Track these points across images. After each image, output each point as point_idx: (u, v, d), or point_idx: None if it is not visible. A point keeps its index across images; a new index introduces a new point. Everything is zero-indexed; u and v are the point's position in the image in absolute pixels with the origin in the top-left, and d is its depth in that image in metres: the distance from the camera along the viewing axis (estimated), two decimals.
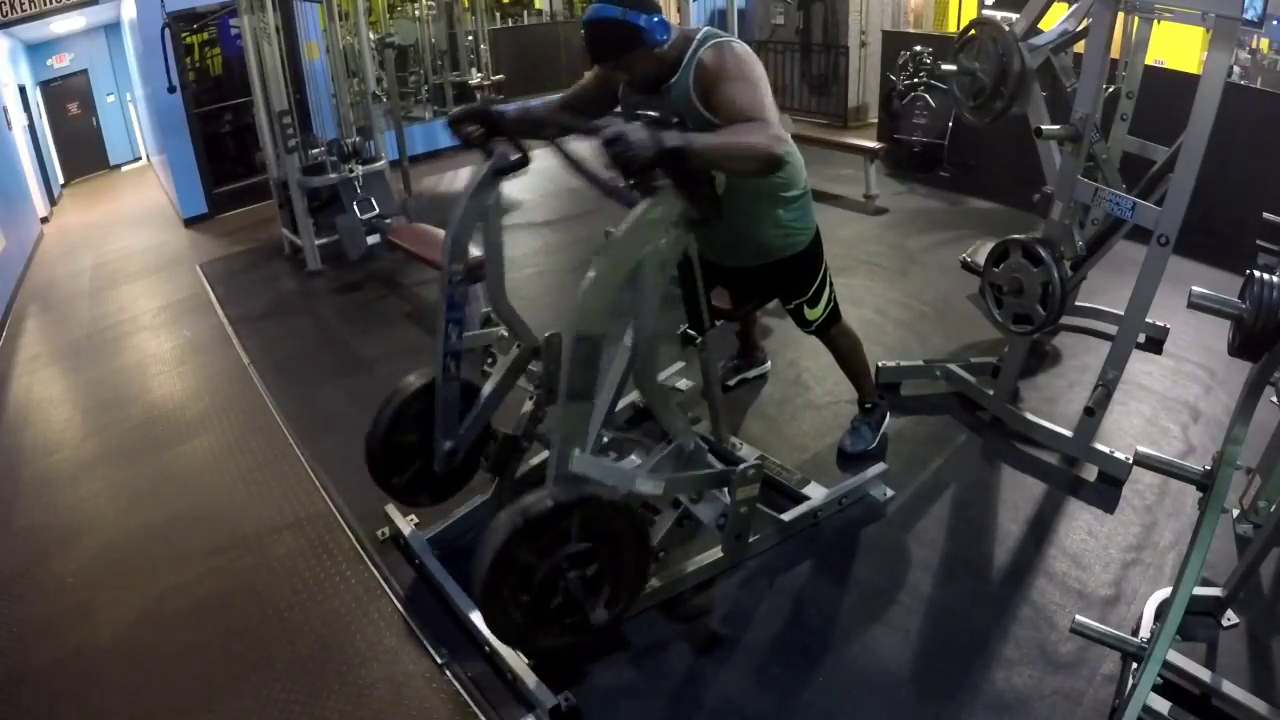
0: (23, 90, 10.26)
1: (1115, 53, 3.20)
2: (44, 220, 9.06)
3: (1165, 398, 3.14)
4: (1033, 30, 2.94)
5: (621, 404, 2.73)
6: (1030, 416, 2.91)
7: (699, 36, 2.11)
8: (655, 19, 2.01)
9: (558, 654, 2.02)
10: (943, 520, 2.58)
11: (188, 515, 2.98)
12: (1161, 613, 1.83)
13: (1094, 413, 2.67)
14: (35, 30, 9.05)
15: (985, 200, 5.56)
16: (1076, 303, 3.53)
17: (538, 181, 6.56)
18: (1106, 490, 2.64)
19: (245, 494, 3.05)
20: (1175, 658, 1.84)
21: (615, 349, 2.15)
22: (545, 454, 2.43)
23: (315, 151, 5.42)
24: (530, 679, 1.98)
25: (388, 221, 5.23)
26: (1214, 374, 3.25)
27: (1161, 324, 3.42)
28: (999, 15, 3.11)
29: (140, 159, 12.41)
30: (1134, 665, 1.82)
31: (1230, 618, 2.08)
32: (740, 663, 2.10)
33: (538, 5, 11.37)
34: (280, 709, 2.08)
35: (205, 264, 5.95)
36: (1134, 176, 3.07)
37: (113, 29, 10.97)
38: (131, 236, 7.54)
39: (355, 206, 5.25)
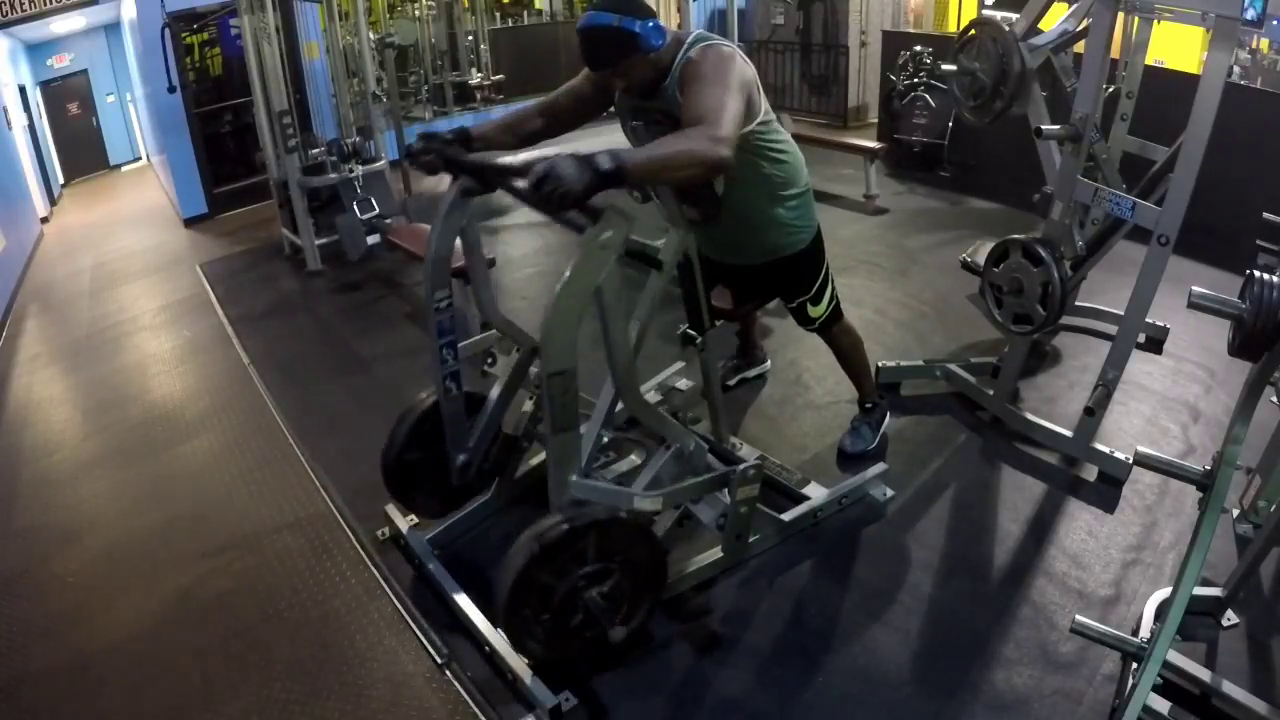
0: (23, 90, 10.27)
1: (1115, 53, 3.20)
2: (44, 220, 9.07)
3: (1165, 398, 3.14)
4: (1033, 30, 2.94)
5: (621, 405, 2.73)
6: (1030, 416, 2.91)
7: (689, 39, 2.10)
8: (650, 24, 2.00)
9: (582, 665, 2.07)
10: (943, 520, 2.58)
11: (188, 515, 2.98)
12: (1161, 613, 1.83)
13: (1094, 413, 2.67)
14: (35, 30, 9.05)
15: (985, 200, 5.56)
16: (1076, 303, 3.53)
17: None
18: (1106, 490, 2.64)
19: (245, 494, 3.05)
20: (1175, 658, 1.84)
21: (613, 346, 2.14)
22: (545, 454, 2.43)
23: (315, 151, 5.43)
24: (530, 679, 1.98)
25: (388, 221, 5.23)
26: (1214, 374, 3.25)
27: (1161, 324, 3.42)
28: (999, 15, 3.11)
29: (140, 159, 12.42)
30: (1134, 665, 1.82)
31: (1230, 618, 2.08)
32: (740, 663, 2.10)
33: (538, 5, 11.37)
34: (280, 709, 2.08)
35: (205, 264, 5.95)
36: (1134, 176, 3.07)
37: (113, 29, 10.98)
38: (131, 236, 7.54)
39: (355, 206, 5.25)
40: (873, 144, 5.68)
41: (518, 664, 2.02)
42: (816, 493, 2.60)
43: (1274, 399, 2.28)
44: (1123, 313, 2.60)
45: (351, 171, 5.31)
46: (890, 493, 2.64)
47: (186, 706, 2.15)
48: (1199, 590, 1.97)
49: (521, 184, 1.72)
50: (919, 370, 3.29)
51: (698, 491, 2.20)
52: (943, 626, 2.18)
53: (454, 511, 2.57)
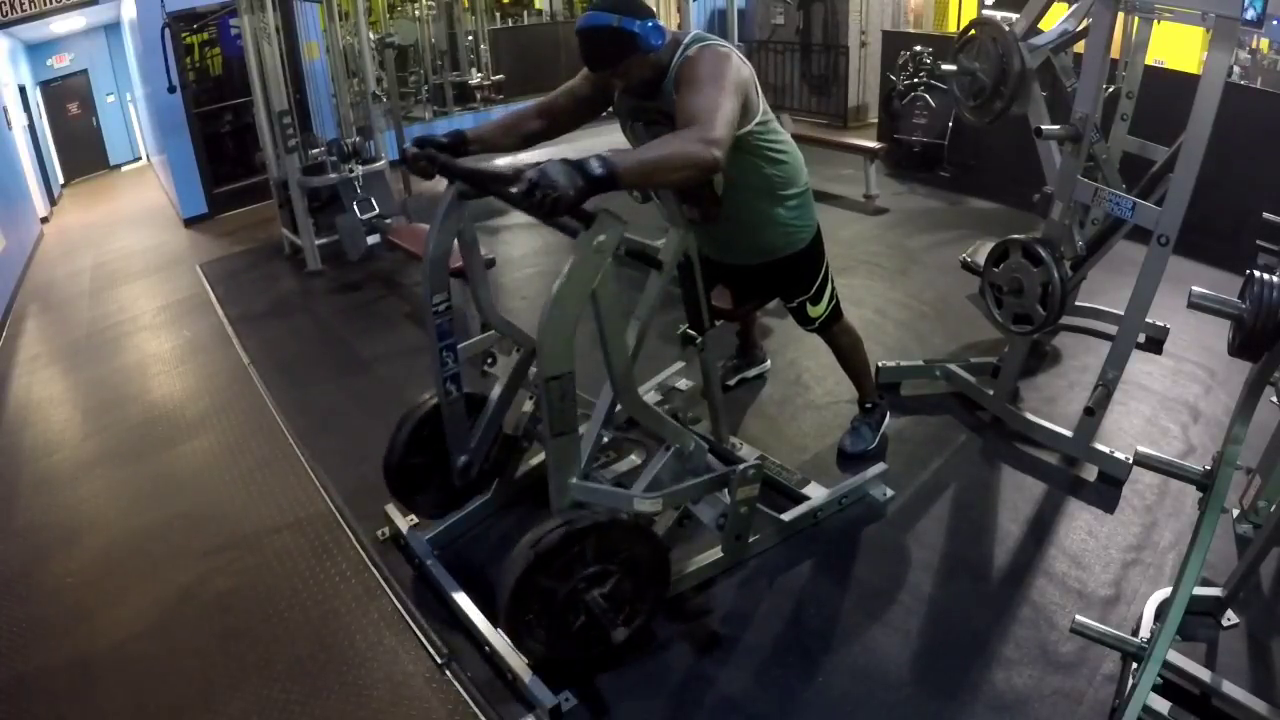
0: (23, 90, 10.27)
1: (1115, 53, 3.20)
2: (44, 220, 9.07)
3: (1165, 398, 3.14)
4: (1033, 30, 2.94)
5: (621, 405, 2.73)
6: (1030, 416, 2.91)
7: (686, 40, 2.10)
8: (650, 24, 2.00)
9: (585, 666, 2.08)
10: (943, 520, 2.58)
11: (188, 515, 2.98)
12: (1161, 613, 1.83)
13: (1094, 413, 2.67)
14: (35, 30, 9.05)
15: (985, 200, 5.56)
16: (1076, 303, 3.53)
17: None
18: (1106, 490, 2.64)
19: (245, 494, 3.05)
20: (1175, 658, 1.84)
21: (610, 349, 2.14)
22: (545, 454, 2.44)
23: (315, 151, 5.43)
24: (530, 679, 1.98)
25: (388, 221, 5.23)
26: (1214, 374, 3.25)
27: (1161, 324, 3.42)
28: (999, 15, 3.11)
29: (140, 159, 12.42)
30: (1134, 665, 1.82)
31: (1230, 618, 2.08)
32: (740, 663, 2.10)
33: (538, 5, 11.37)
34: (280, 709, 2.08)
35: (205, 264, 5.95)
36: (1134, 176, 3.07)
37: (113, 29, 10.98)
38: (131, 236, 7.54)
39: (355, 206, 5.24)
40: (873, 144, 5.68)
41: (518, 664, 2.02)
42: (816, 493, 2.60)
43: (1274, 399, 2.27)
44: (1123, 313, 2.60)
45: (351, 171, 5.31)
46: (890, 493, 2.64)
47: (186, 706, 2.15)
48: (1199, 590, 1.97)
49: (513, 191, 1.71)
50: (919, 370, 3.29)
51: (698, 492, 2.20)
52: (943, 626, 2.18)
53: (454, 511, 2.57)
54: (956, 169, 6.07)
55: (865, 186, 5.58)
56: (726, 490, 2.20)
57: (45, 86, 11.59)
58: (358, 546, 2.63)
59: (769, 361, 3.46)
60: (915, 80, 6.18)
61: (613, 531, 1.93)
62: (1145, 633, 1.98)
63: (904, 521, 2.57)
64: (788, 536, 2.48)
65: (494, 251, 4.60)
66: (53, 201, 10.25)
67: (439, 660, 2.15)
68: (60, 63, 11.75)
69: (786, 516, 2.48)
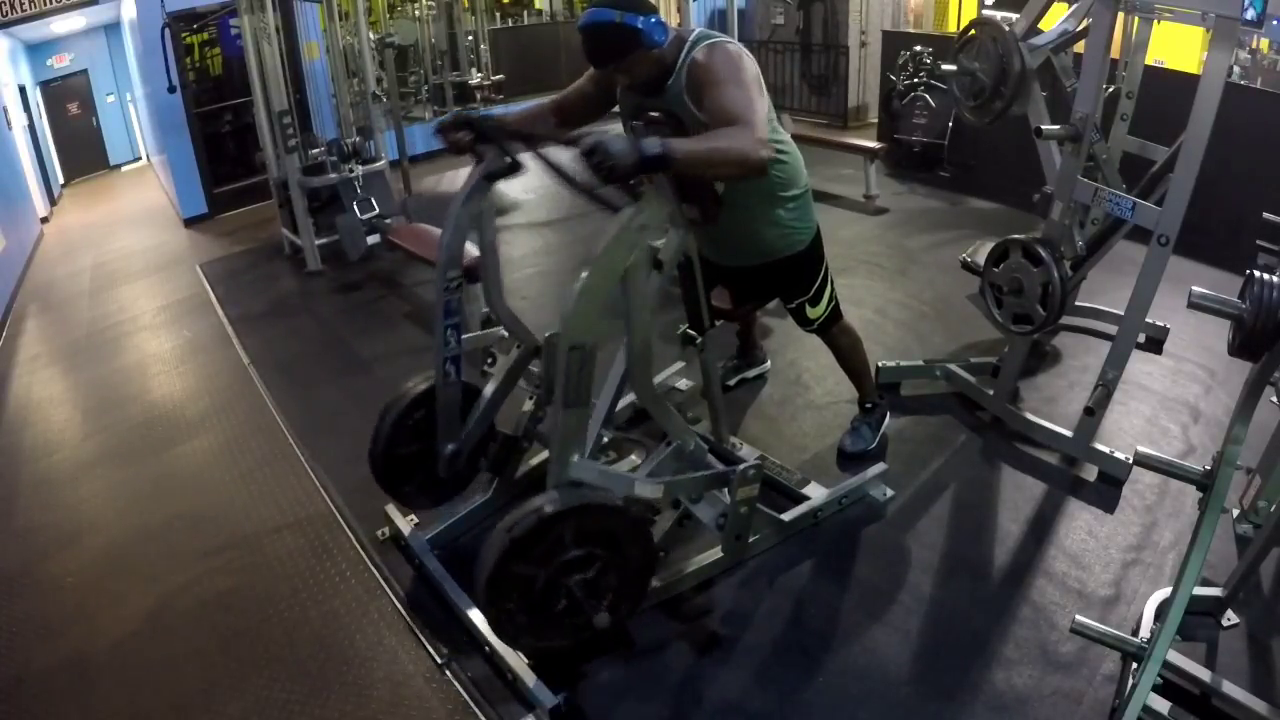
0: (23, 90, 10.26)
1: (1115, 53, 3.20)
2: (44, 220, 9.07)
3: (1165, 398, 3.14)
4: (1033, 30, 2.94)
5: (622, 404, 2.73)
6: (1030, 416, 2.91)
7: (692, 37, 2.11)
8: (653, 20, 2.00)
9: (567, 652, 2.05)
10: (943, 520, 2.58)
11: (188, 515, 2.98)
12: (1161, 613, 1.83)
13: (1094, 413, 2.67)
14: (35, 30, 9.05)
15: (985, 200, 5.56)
16: (1076, 303, 3.53)
17: (538, 181, 6.56)
18: (1106, 490, 2.64)
19: (245, 494, 3.05)
20: (1175, 658, 1.84)
21: (616, 348, 2.15)
22: (545, 454, 2.43)
23: (315, 151, 5.43)
24: (530, 679, 1.98)
25: (388, 221, 5.23)
26: (1214, 374, 3.25)
27: (1161, 324, 3.42)
28: (999, 15, 3.11)
29: (140, 159, 12.42)
30: (1134, 665, 1.82)
31: (1230, 618, 2.08)
32: (740, 663, 2.10)
33: (538, 5, 11.37)
34: (280, 709, 2.08)
35: (205, 264, 5.95)
36: (1134, 176, 3.07)
37: (113, 29, 10.98)
38: (131, 236, 7.54)
39: (355, 206, 5.25)
40: (873, 144, 5.67)
41: (518, 664, 2.02)
42: (816, 493, 2.60)
43: (1274, 399, 2.27)
44: (1123, 313, 2.60)
45: (351, 171, 5.31)
46: (890, 493, 2.64)
47: (186, 706, 2.15)
48: (1199, 590, 1.97)
49: (574, 149, 1.75)
50: (919, 370, 3.29)
51: (699, 486, 2.19)
52: (943, 626, 2.18)
53: (452, 511, 2.57)
54: (956, 169, 6.06)
55: (865, 186, 5.57)
56: (726, 490, 2.20)
57: (45, 86, 11.59)
58: (358, 546, 2.63)
59: (769, 362, 3.46)
60: (915, 80, 6.18)
61: (593, 515, 1.88)
62: (1145, 633, 1.98)
63: (904, 521, 2.57)
64: (788, 536, 2.48)
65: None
66: (53, 201, 10.25)
67: (439, 660, 2.15)
68: (60, 63, 11.74)
69: (786, 516, 2.48)
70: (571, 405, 1.87)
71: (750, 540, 2.36)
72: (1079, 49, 2.90)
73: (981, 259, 2.90)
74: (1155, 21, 3.16)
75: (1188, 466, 1.81)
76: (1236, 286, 1.77)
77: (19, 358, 5.00)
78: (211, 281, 5.53)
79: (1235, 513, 2.39)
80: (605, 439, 2.16)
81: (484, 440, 2.47)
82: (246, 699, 2.12)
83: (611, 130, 1.75)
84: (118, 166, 12.61)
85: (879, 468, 2.67)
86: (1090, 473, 2.72)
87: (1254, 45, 6.97)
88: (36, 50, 11.16)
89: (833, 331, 2.71)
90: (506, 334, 2.58)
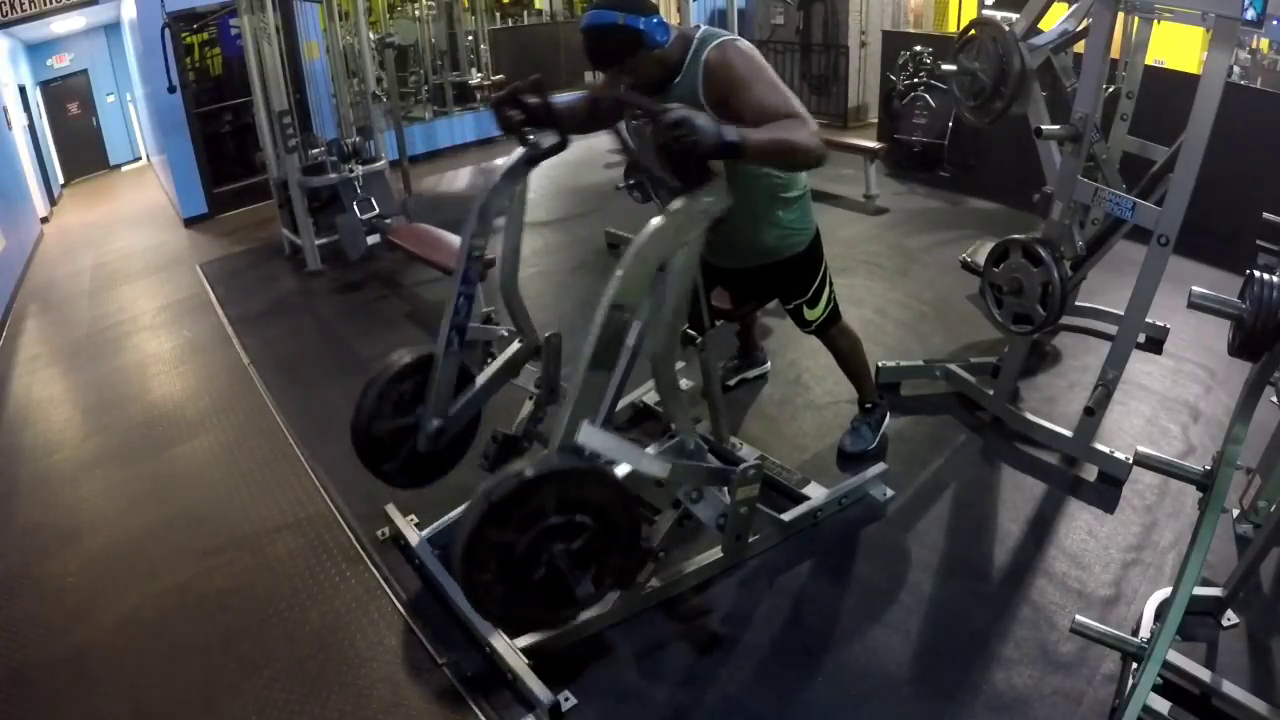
0: (23, 90, 10.25)
1: (1115, 53, 3.20)
2: (44, 220, 9.06)
3: (1165, 398, 3.14)
4: (1033, 30, 2.94)
5: (622, 404, 2.73)
6: (1030, 416, 2.91)
7: (699, 36, 2.11)
8: (654, 20, 2.00)
9: (551, 627, 2.02)
10: (943, 520, 2.58)
11: (188, 515, 2.98)
12: (1161, 613, 1.83)
13: (1094, 413, 2.67)
14: (35, 30, 9.04)
15: (985, 200, 5.56)
16: (1076, 303, 3.53)
17: (538, 181, 6.52)
18: (1106, 490, 2.64)
19: (245, 494, 3.05)
20: (1175, 658, 1.84)
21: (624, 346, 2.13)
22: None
23: (315, 151, 5.42)
24: (530, 678, 1.98)
25: (388, 221, 5.23)
26: (1214, 374, 3.25)
27: (1161, 324, 3.42)
28: (999, 15, 3.11)
29: (140, 159, 12.41)
30: (1134, 665, 1.82)
31: (1230, 618, 2.08)
32: (740, 663, 2.10)
33: (538, 5, 11.36)
34: (280, 709, 2.08)
35: (205, 264, 5.95)
36: (1134, 176, 3.07)
37: (113, 29, 10.97)
38: (131, 236, 7.54)
39: (355, 206, 5.24)
40: (873, 144, 5.67)
41: (518, 664, 2.02)
42: (816, 493, 2.60)
43: (1274, 399, 2.27)
44: (1123, 313, 2.60)
45: (351, 171, 5.31)
46: (890, 493, 2.64)
47: (186, 706, 2.15)
48: (1199, 590, 1.97)
49: (660, 118, 1.77)
50: (919, 370, 3.29)
51: (703, 476, 2.17)
52: (943, 626, 2.18)
53: (452, 511, 2.56)
54: (956, 169, 6.06)
55: (865, 186, 5.57)
56: (726, 490, 2.19)
57: (45, 86, 11.58)
58: (358, 546, 2.63)
59: (769, 363, 3.46)
60: (915, 80, 6.17)
61: (575, 480, 1.81)
62: (1145, 633, 1.98)
63: (904, 521, 2.57)
64: (788, 536, 2.48)
65: (494, 252, 4.60)
66: (53, 201, 10.24)
67: (439, 660, 2.15)
68: (60, 63, 11.73)
69: (786, 516, 2.48)
70: (597, 366, 1.86)
71: (750, 540, 2.36)
72: (1079, 49, 2.90)
73: (981, 259, 2.90)
74: (1155, 21, 3.16)
75: (1188, 466, 1.81)
76: (1236, 286, 1.77)
77: (19, 358, 5.00)
78: (211, 281, 5.53)
79: (1235, 513, 2.39)
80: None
81: (469, 427, 2.45)
82: (246, 699, 2.12)
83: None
84: (118, 166, 12.60)
85: (879, 468, 2.67)
86: (1090, 473, 2.72)
87: (1254, 45, 6.97)
88: (36, 50, 11.15)
89: (831, 333, 2.70)
90: (506, 333, 2.58)
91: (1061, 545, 2.42)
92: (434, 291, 4.76)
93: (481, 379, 2.42)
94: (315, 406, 3.62)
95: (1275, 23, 5.64)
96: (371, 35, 7.14)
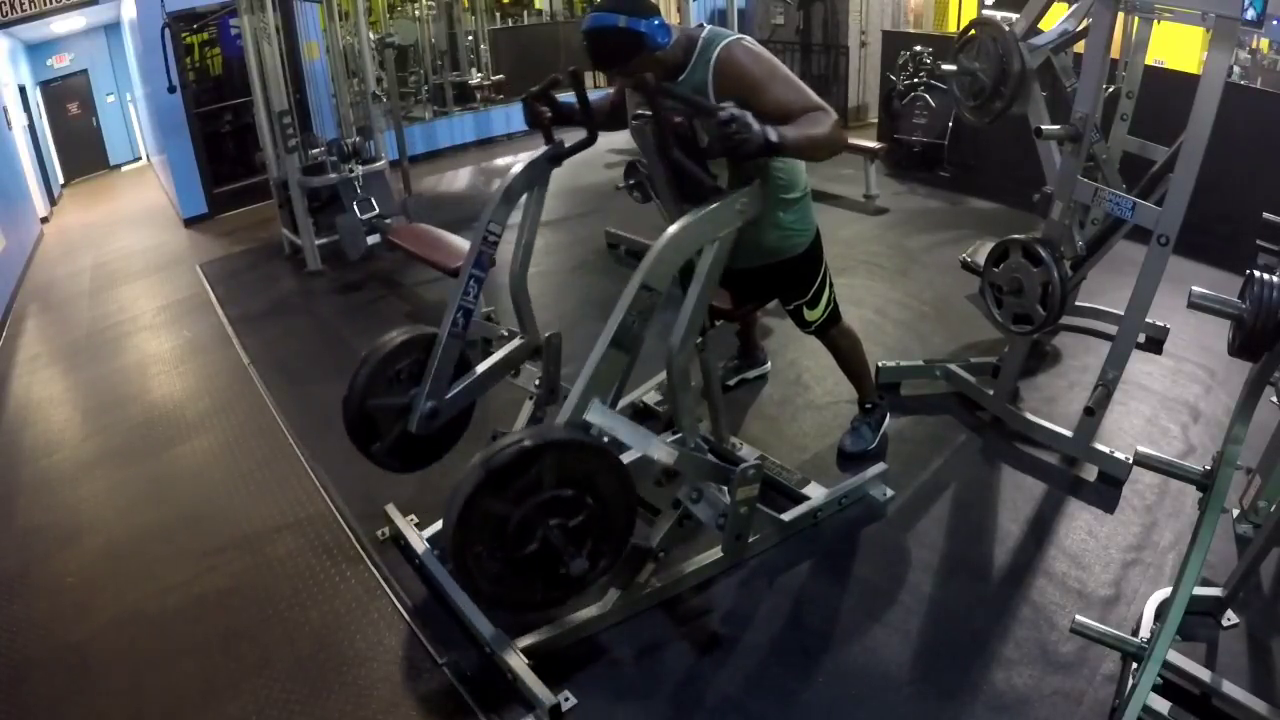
0: (23, 90, 10.26)
1: (1115, 53, 3.20)
2: (44, 220, 9.06)
3: (1165, 398, 3.14)
4: (1033, 30, 2.94)
5: (622, 403, 2.73)
6: (1030, 416, 2.91)
7: (704, 36, 2.11)
8: (656, 22, 2.01)
9: (538, 609, 2.02)
10: (943, 520, 2.58)
11: (187, 515, 2.98)
12: (1161, 613, 1.83)
13: (1094, 413, 2.67)
14: (35, 30, 9.05)
15: (985, 200, 5.56)
16: (1076, 303, 3.53)
17: None
18: (1106, 490, 2.64)
19: (245, 494, 3.05)
20: (1175, 658, 1.84)
21: (691, 299, 2.12)
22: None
23: (315, 151, 5.42)
24: (530, 678, 1.98)
25: (388, 221, 5.23)
26: (1214, 374, 3.25)
27: (1161, 324, 3.42)
28: (999, 15, 3.11)
29: (140, 159, 12.41)
30: (1134, 665, 1.82)
31: (1230, 618, 2.08)
32: (740, 663, 2.10)
33: (538, 5, 11.35)
34: (280, 709, 2.08)
35: (205, 264, 5.95)
36: (1134, 176, 3.07)
37: (113, 29, 10.97)
38: (131, 236, 7.54)
39: (355, 206, 5.24)
40: (873, 144, 5.67)
41: (518, 664, 2.02)
42: (816, 493, 2.60)
43: (1274, 399, 2.28)
44: (1123, 313, 2.60)
45: (351, 171, 5.31)
46: (890, 493, 2.64)
47: (186, 706, 2.15)
48: (1199, 590, 1.97)
49: (713, 116, 1.85)
50: (919, 370, 3.29)
51: (706, 469, 2.17)
52: (943, 626, 2.18)
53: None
54: (956, 169, 6.06)
55: (865, 186, 5.57)
56: (726, 490, 2.19)
57: (45, 86, 11.58)
58: (358, 546, 2.63)
59: (769, 363, 3.46)
60: (915, 80, 6.17)
61: (575, 454, 1.78)
62: (1145, 633, 1.98)
63: (904, 521, 2.57)
64: (788, 536, 2.48)
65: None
66: (53, 201, 10.24)
67: (439, 660, 2.15)
68: (60, 63, 11.74)
69: (786, 516, 2.48)
70: (617, 345, 1.88)
71: (750, 540, 2.36)
72: (1079, 49, 2.90)
73: (981, 259, 2.90)
74: (1155, 21, 3.16)
75: (1188, 466, 1.81)
76: (1236, 286, 1.77)
77: (19, 358, 5.00)
78: (211, 281, 5.53)
79: (1235, 513, 2.39)
80: (605, 440, 2.15)
81: (462, 415, 2.44)
82: (246, 699, 2.12)
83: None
84: (118, 166, 12.61)
85: (879, 468, 2.67)
86: (1090, 473, 2.72)
87: (1254, 45, 6.97)
88: (36, 50, 11.16)
89: (831, 334, 2.70)
90: (506, 333, 2.58)
91: (1061, 545, 2.42)
92: (434, 291, 4.76)
93: (480, 368, 2.42)
94: (315, 406, 3.61)
95: (1275, 23, 5.64)
96: (371, 35, 7.14)
